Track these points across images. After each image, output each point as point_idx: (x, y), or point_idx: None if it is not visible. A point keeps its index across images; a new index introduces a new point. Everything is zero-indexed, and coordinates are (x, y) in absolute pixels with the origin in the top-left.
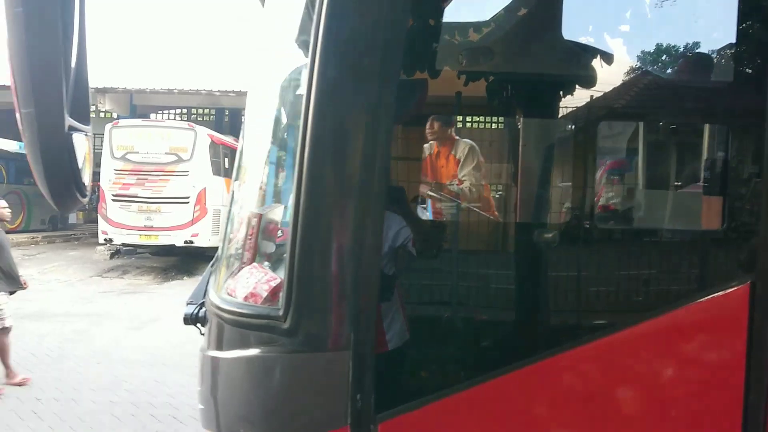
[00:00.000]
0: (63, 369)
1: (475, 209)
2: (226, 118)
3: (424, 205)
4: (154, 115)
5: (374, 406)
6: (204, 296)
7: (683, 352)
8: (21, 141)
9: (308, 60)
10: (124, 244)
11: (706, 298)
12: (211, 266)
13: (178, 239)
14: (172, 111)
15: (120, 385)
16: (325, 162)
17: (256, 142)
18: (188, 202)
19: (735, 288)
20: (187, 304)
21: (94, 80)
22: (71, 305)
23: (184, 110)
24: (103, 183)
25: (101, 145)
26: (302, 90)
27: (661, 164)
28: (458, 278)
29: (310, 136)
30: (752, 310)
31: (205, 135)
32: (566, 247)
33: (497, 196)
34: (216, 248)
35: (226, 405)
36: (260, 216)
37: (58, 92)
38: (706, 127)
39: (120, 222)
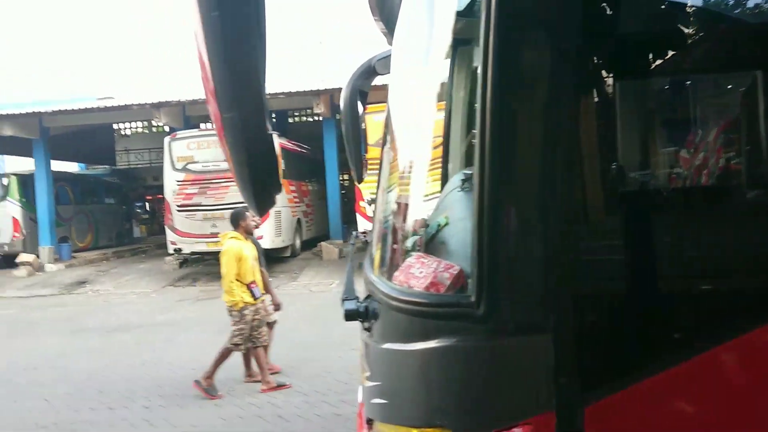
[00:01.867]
0: (161, 377)
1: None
2: (273, 119)
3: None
4: (204, 125)
5: (581, 389)
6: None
7: None
8: (81, 163)
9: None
10: (192, 253)
11: None
12: (350, 261)
13: None
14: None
15: (220, 389)
16: (514, 144)
17: (416, 129)
18: None
19: None
20: (344, 300)
21: (149, 96)
22: (153, 315)
23: None
24: (167, 195)
25: (158, 159)
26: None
27: None
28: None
29: (494, 118)
30: None
31: None
32: None
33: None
34: (280, 249)
35: (417, 397)
36: (423, 206)
37: (260, 94)
38: None
39: (187, 231)
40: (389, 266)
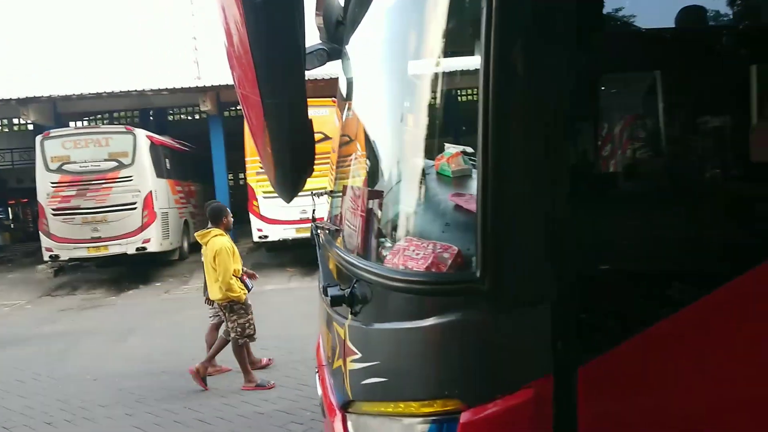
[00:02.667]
0: (60, 392)
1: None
2: (151, 117)
3: None
4: (74, 123)
5: (576, 352)
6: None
7: None
8: None
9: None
10: (71, 259)
11: None
12: (320, 249)
13: (129, 247)
14: (91, 117)
15: (128, 398)
16: (515, 136)
17: (387, 122)
18: (135, 208)
19: None
20: (327, 287)
21: (14, 91)
22: (36, 327)
23: (106, 115)
24: (41, 198)
25: (22, 160)
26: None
27: None
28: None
29: (496, 113)
30: None
31: (144, 137)
32: None
33: None
34: (168, 252)
35: (423, 371)
36: (398, 192)
37: (302, 81)
38: None
39: (65, 237)
40: (376, 251)
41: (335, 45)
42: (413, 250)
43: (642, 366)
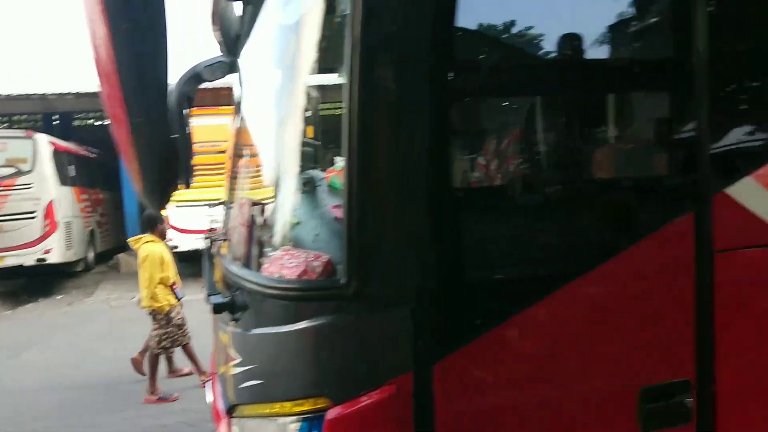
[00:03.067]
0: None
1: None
2: (55, 122)
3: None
4: None
5: (430, 350)
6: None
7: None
8: None
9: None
10: None
11: None
12: (208, 259)
13: (27, 258)
14: None
15: (23, 414)
16: (374, 149)
17: (271, 127)
18: (35, 217)
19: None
20: (210, 295)
21: None
22: None
23: (5, 119)
24: None
25: None
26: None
27: None
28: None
29: (358, 126)
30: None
31: (46, 142)
32: None
33: None
34: (71, 263)
35: (295, 372)
36: (281, 203)
37: (164, 99)
38: None
39: None
40: (256, 260)
41: (235, 58)
42: (288, 259)
43: (489, 365)
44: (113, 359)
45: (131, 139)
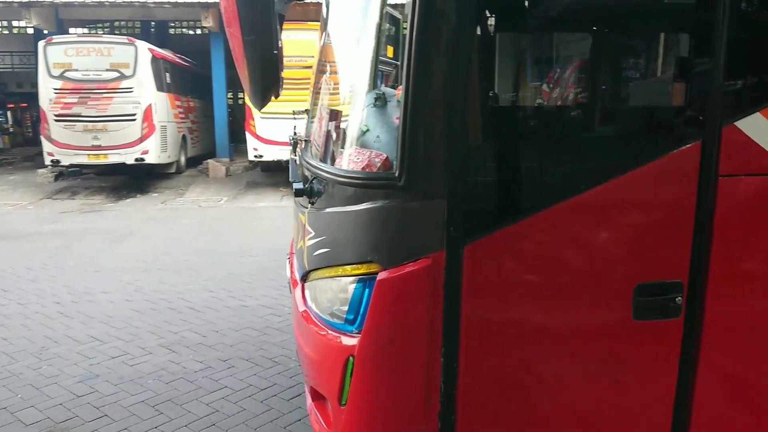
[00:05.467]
0: (66, 279)
1: None
2: (152, 29)
3: None
4: (75, 30)
5: (462, 234)
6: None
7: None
8: None
9: None
10: (72, 165)
11: None
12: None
13: (128, 157)
14: (92, 25)
15: (127, 287)
16: (427, 71)
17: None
18: (135, 120)
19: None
20: (293, 182)
21: None
22: (38, 225)
23: (107, 24)
24: (43, 103)
25: (22, 64)
26: None
27: None
28: None
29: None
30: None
31: (146, 49)
32: None
33: None
34: (165, 165)
35: (355, 242)
36: (355, 113)
37: (271, 20)
38: None
39: (66, 143)
40: (331, 156)
41: None
42: (356, 156)
43: (508, 252)
44: (201, 251)
45: (244, 53)
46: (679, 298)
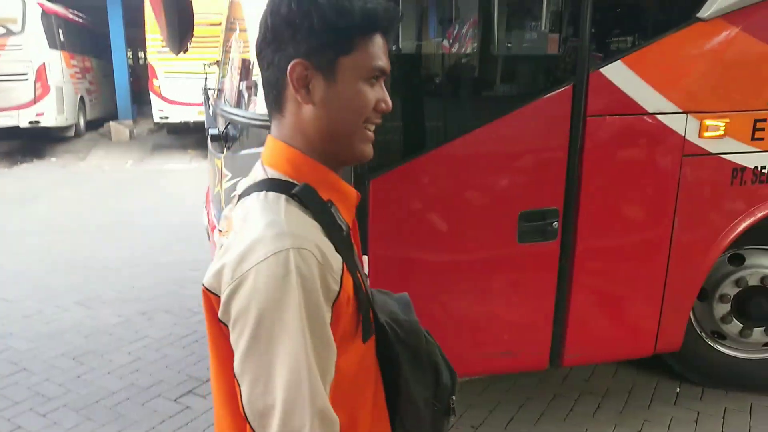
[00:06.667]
0: None
1: None
2: None
3: None
4: None
5: (366, 170)
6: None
7: None
8: None
9: None
10: None
11: None
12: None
13: (22, 120)
14: None
15: (37, 249)
16: None
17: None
18: (27, 79)
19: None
20: (209, 128)
21: None
22: None
23: None
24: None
25: None
26: None
27: None
28: None
29: None
30: None
31: (35, 3)
32: None
33: None
34: (63, 128)
35: None
36: None
37: None
38: None
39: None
40: (246, 102)
41: None
42: None
43: (408, 185)
44: (112, 212)
45: (161, 2)
46: (555, 222)
